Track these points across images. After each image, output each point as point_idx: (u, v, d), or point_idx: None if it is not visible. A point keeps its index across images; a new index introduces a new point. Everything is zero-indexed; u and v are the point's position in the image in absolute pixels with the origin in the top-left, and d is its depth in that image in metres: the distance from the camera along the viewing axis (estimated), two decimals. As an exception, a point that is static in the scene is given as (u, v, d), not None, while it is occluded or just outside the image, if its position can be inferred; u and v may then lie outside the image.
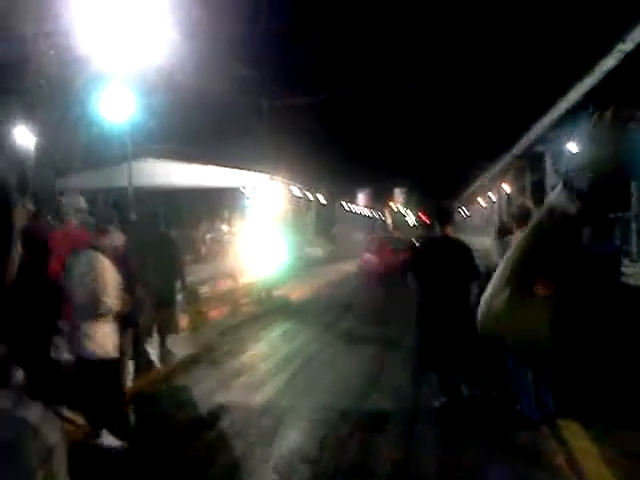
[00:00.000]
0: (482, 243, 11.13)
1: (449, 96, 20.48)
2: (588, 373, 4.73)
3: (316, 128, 22.83)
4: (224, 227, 14.76)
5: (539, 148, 17.68)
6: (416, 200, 56.02)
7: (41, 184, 11.14)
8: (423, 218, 41.35)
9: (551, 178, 15.90)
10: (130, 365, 5.01)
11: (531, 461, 3.84)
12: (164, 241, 6.53)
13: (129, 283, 4.29)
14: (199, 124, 15.80)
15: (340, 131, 25.15)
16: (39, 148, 13.43)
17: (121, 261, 4.30)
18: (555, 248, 0.97)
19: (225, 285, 10.19)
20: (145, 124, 11.53)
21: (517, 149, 19.84)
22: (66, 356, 4.30)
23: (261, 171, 13.01)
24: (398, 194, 56.53)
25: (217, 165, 12.61)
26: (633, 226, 12.01)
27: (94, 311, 3.88)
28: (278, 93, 18.59)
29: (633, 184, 11.45)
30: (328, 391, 5.49)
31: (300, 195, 23.39)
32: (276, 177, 15.27)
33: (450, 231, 5.05)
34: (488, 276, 1.30)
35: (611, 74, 10.17)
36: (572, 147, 12.93)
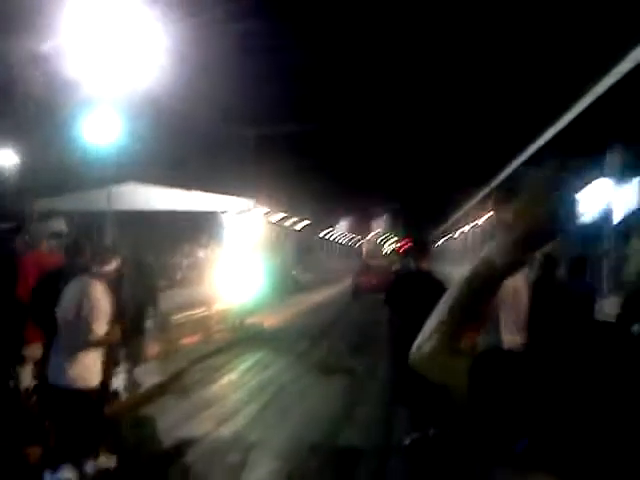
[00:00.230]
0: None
1: (437, 122, 20.96)
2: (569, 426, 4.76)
3: (300, 155, 23.08)
4: (202, 252, 14.66)
5: (513, 184, 18.11)
6: (402, 226, 56.57)
7: (18, 206, 10.96)
8: (399, 248, 41.84)
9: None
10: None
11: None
12: (138, 267, 6.45)
13: (120, 311, 4.18)
14: (184, 149, 15.85)
15: (324, 158, 25.43)
16: (20, 170, 13.27)
17: (114, 288, 4.20)
18: (487, 298, 0.98)
19: (199, 312, 10.06)
20: (129, 148, 11.52)
21: (496, 181, 20.23)
22: (29, 384, 4.17)
23: (242, 196, 13.03)
24: (378, 223, 57.17)
25: (198, 190, 12.59)
26: (605, 263, 12.30)
27: (83, 339, 3.77)
28: (263, 121, 18.81)
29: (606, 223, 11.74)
30: (299, 424, 5.42)
31: (281, 221, 23.44)
32: (257, 203, 15.32)
33: (425, 265, 5.11)
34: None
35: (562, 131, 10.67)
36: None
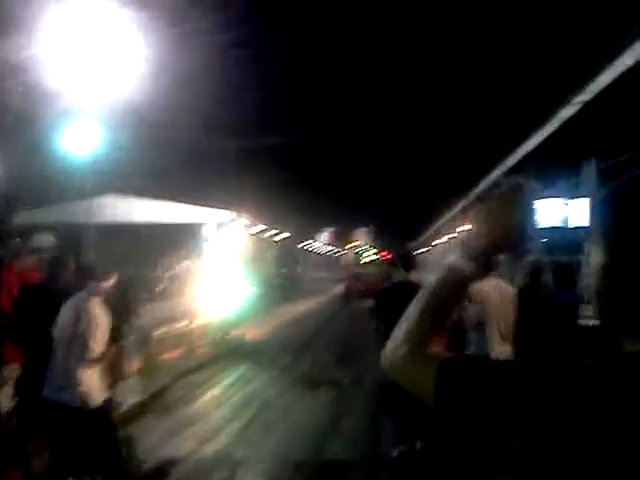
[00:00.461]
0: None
1: (420, 133, 21.12)
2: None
3: (282, 167, 23.05)
4: (183, 264, 14.46)
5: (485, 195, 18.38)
6: (382, 238, 56.99)
7: None
8: (383, 255, 42.23)
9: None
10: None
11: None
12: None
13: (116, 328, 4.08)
14: (165, 160, 15.64)
15: (307, 170, 25.44)
16: None
17: (111, 305, 4.10)
18: (453, 304, 1.00)
19: (180, 326, 9.88)
20: (110, 158, 11.34)
21: (477, 190, 20.46)
22: (9, 406, 4.02)
23: (224, 208, 12.93)
24: (360, 233, 57.45)
25: (180, 202, 12.45)
26: (584, 270, 12.49)
27: (81, 356, 3.65)
28: (246, 133, 18.74)
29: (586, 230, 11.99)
30: (284, 439, 5.32)
31: (261, 233, 23.33)
32: (239, 214, 15.23)
33: (413, 276, 5.10)
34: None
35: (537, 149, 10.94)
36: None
